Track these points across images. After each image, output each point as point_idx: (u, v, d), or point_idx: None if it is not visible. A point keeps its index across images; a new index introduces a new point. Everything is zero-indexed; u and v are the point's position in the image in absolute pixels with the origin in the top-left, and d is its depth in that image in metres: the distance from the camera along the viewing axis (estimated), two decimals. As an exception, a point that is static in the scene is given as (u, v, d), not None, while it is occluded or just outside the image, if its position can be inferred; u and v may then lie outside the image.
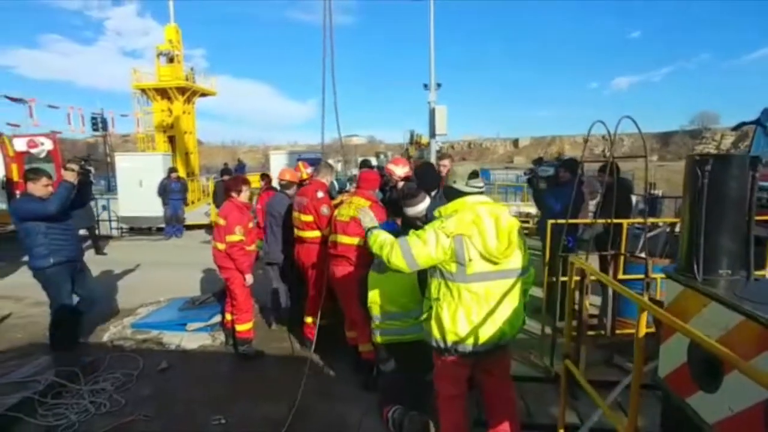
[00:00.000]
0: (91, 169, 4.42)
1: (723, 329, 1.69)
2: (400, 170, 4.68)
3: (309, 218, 4.25)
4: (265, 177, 7.34)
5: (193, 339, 4.87)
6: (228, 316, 4.71)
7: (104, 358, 4.32)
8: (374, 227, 2.66)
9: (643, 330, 1.64)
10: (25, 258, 4.18)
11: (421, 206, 3.42)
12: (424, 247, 2.29)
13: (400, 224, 3.63)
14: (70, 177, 4.14)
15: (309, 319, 4.44)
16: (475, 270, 2.29)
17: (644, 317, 1.65)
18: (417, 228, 3.32)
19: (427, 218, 3.38)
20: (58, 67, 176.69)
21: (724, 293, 1.76)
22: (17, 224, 4.17)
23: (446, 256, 2.29)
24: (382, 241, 2.47)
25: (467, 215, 2.32)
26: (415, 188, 3.72)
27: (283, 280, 5.20)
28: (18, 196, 4.31)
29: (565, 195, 4.66)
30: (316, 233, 4.28)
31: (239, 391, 3.88)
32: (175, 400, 3.74)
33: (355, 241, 3.77)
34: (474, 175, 2.46)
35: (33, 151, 9.37)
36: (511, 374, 2.72)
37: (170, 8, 20.76)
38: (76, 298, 4.51)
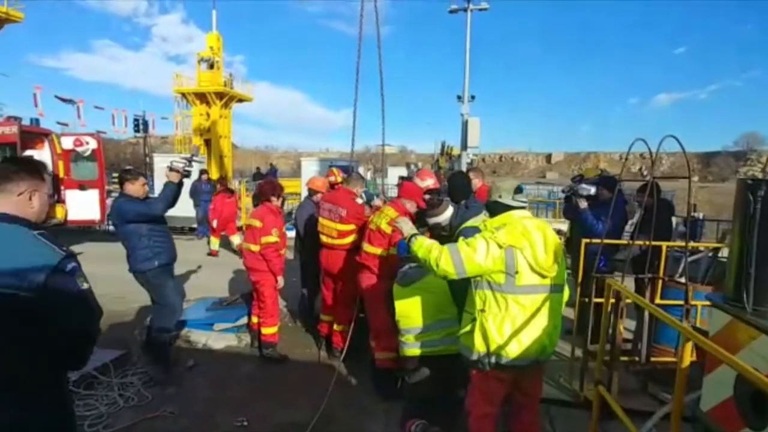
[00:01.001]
0: (191, 170, 4.22)
1: (775, 365, 1.58)
2: (423, 183, 4.44)
3: (349, 227, 4.20)
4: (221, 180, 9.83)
5: (219, 339, 4.94)
6: (254, 319, 4.76)
7: (134, 353, 4.44)
8: (416, 233, 2.63)
9: (687, 360, 1.56)
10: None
11: (445, 215, 3.39)
12: (474, 255, 2.27)
13: (430, 237, 3.61)
14: (175, 178, 4.01)
15: (338, 327, 4.44)
16: (524, 282, 2.29)
17: (689, 347, 1.56)
18: (441, 238, 3.31)
19: (452, 227, 3.37)
20: (107, 70, 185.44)
21: (776, 326, 1.65)
22: (118, 226, 4.07)
23: (495, 267, 2.28)
24: (429, 245, 2.44)
25: (517, 227, 2.32)
26: (438, 198, 3.70)
27: (303, 285, 5.28)
28: (117, 197, 4.06)
29: (607, 214, 4.52)
30: (348, 240, 4.25)
31: (262, 394, 3.90)
32: (200, 398, 3.80)
33: (378, 251, 3.77)
34: (518, 190, 2.51)
35: (78, 149, 9.79)
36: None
37: (213, 17, 21.55)
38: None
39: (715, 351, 1.47)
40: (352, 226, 4.22)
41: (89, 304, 1.70)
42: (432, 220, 3.39)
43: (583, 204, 4.72)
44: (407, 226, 2.72)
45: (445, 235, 3.28)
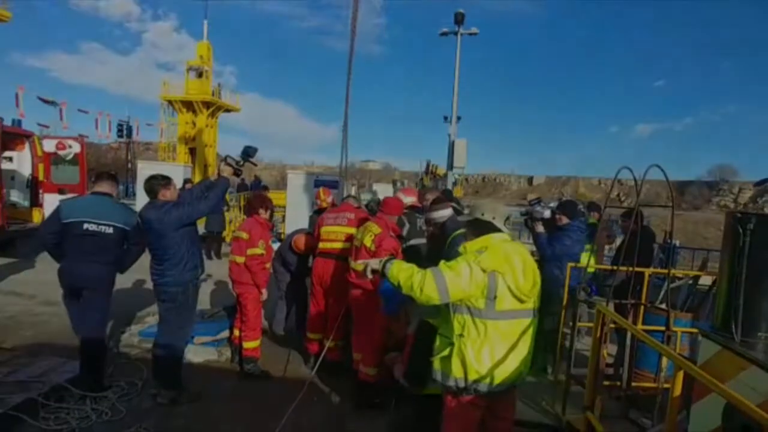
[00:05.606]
0: (243, 169, 3.89)
1: (763, 395, 1.61)
2: (406, 200, 4.66)
3: (353, 230, 4.31)
4: None
5: (199, 352, 4.81)
6: (236, 332, 4.66)
7: (109, 365, 4.28)
8: (388, 260, 2.41)
9: (678, 389, 1.58)
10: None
11: (445, 212, 3.68)
12: (458, 279, 2.19)
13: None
14: (228, 173, 3.72)
15: (332, 344, 4.37)
16: (503, 307, 2.25)
17: (680, 377, 1.58)
18: (434, 240, 3.42)
19: (446, 231, 3.57)
20: (93, 74, 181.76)
21: (764, 357, 1.69)
22: (165, 235, 3.59)
23: (477, 291, 2.22)
24: (409, 268, 2.29)
25: (499, 252, 2.28)
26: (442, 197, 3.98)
27: (293, 299, 5.24)
28: (151, 205, 3.66)
29: (559, 240, 4.59)
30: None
31: (241, 412, 3.80)
32: (176, 414, 3.66)
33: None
34: (501, 213, 2.50)
35: (61, 153, 9.55)
36: (517, 419, 2.62)
37: (204, 27, 21.57)
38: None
39: (708, 382, 1.49)
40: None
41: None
42: (431, 215, 3.64)
43: (539, 228, 4.73)
44: (374, 261, 2.45)
45: (438, 236, 3.60)
